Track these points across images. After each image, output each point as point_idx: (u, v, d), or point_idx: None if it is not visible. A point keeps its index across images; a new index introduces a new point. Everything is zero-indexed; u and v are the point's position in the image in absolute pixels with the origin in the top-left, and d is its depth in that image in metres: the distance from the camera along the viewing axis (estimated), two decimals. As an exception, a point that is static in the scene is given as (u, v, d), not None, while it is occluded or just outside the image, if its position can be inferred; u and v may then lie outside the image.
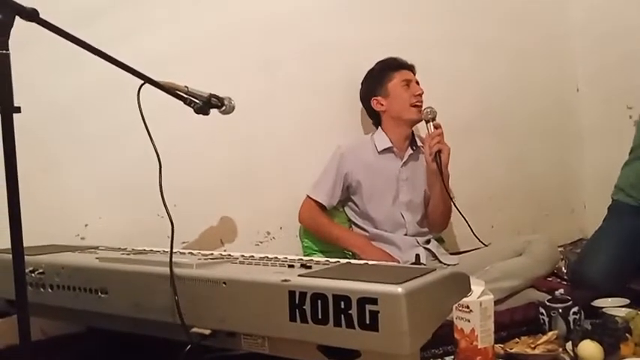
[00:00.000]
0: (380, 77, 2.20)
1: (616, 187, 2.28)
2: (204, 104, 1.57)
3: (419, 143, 2.24)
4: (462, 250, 2.43)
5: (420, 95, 2.16)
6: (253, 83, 2.13)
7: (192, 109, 1.57)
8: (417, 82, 2.19)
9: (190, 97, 1.54)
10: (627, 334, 1.49)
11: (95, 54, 1.25)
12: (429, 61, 2.39)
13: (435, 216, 2.20)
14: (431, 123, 2.10)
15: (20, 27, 1.04)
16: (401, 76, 2.17)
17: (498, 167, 2.72)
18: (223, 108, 1.63)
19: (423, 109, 2.13)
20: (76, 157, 1.87)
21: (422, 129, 2.32)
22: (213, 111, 1.62)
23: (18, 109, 1.00)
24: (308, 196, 2.15)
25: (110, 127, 1.90)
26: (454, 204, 2.16)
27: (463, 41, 2.60)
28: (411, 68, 2.22)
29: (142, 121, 1.33)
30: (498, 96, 2.72)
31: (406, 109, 2.15)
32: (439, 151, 2.06)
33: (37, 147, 1.77)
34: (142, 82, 1.35)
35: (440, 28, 2.56)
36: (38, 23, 1.10)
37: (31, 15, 1.07)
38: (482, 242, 2.21)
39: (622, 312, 1.66)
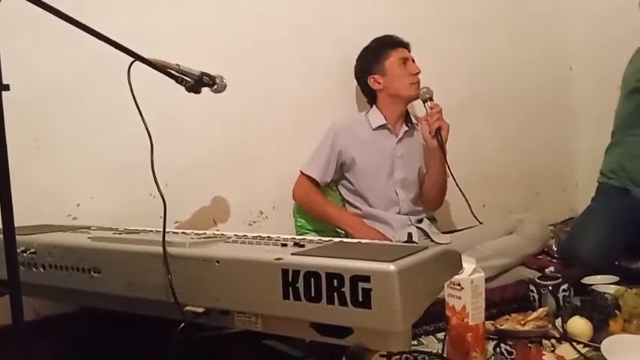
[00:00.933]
0: (376, 55, 2.19)
1: (600, 172, 2.32)
2: (196, 83, 1.55)
3: (414, 120, 2.23)
4: (454, 229, 2.44)
5: (418, 74, 2.15)
6: (246, 62, 2.11)
7: (183, 88, 1.55)
8: (413, 60, 2.19)
9: (182, 76, 1.52)
10: (616, 311, 1.51)
11: (86, 31, 1.22)
12: (422, 40, 2.37)
13: (432, 194, 2.21)
14: (428, 102, 2.10)
15: (11, 5, 1.02)
16: (398, 54, 2.16)
17: (490, 146, 2.73)
18: (215, 86, 1.61)
19: (421, 91, 2.13)
20: (68, 137, 1.86)
21: (417, 108, 2.32)
22: (206, 90, 1.60)
23: (7, 87, 0.98)
24: (302, 173, 2.15)
25: (101, 107, 1.88)
26: (455, 182, 2.15)
27: (456, 21, 2.59)
28: (406, 46, 2.21)
29: (133, 100, 1.31)
30: (491, 75, 2.71)
31: (405, 87, 2.14)
32: (439, 129, 2.06)
33: (29, 127, 1.76)
34: (133, 59, 1.34)
35: (433, 7, 2.55)
36: (28, 0, 1.08)
37: (18, -9, 1.05)
38: (477, 220, 2.22)
39: (611, 289, 1.69)
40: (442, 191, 2.21)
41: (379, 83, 2.18)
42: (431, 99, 2.11)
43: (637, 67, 2.21)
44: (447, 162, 2.11)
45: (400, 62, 2.15)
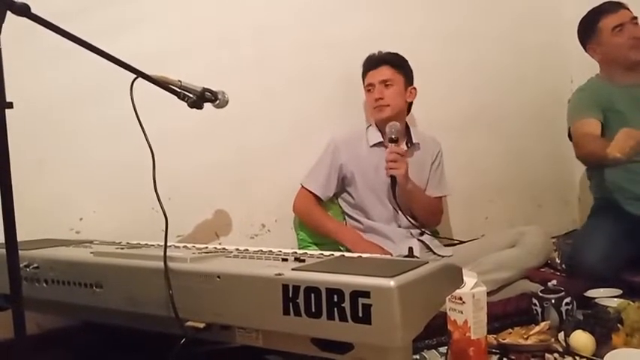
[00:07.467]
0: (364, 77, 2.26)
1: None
2: (198, 98, 1.56)
3: (414, 140, 2.22)
4: (456, 241, 2.44)
5: (379, 99, 2.14)
6: (247, 77, 2.13)
7: (185, 104, 1.56)
8: (386, 83, 2.15)
9: (184, 92, 1.53)
10: (619, 325, 1.50)
11: (88, 49, 1.24)
12: (426, 56, 2.39)
13: (423, 218, 2.20)
14: (392, 144, 2.04)
15: (10, 21, 1.04)
16: (367, 79, 2.21)
17: (493, 160, 2.73)
18: (217, 102, 1.62)
19: (387, 125, 2.07)
20: (70, 152, 1.87)
21: (418, 123, 2.33)
22: (207, 105, 1.62)
23: (10, 105, 0.99)
24: (302, 186, 2.16)
25: (104, 122, 1.90)
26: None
27: (459, 36, 2.60)
28: (381, 65, 2.20)
29: (135, 115, 1.32)
30: (493, 89, 2.72)
31: (372, 112, 2.21)
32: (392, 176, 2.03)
33: (31, 142, 1.77)
34: (135, 76, 1.35)
35: (435, 23, 2.56)
36: (30, 18, 1.09)
37: (23, 10, 1.06)
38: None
39: (614, 302, 1.68)
40: (433, 215, 2.23)
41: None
42: (395, 140, 2.04)
43: (568, 116, 2.27)
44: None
45: (368, 88, 2.20)
